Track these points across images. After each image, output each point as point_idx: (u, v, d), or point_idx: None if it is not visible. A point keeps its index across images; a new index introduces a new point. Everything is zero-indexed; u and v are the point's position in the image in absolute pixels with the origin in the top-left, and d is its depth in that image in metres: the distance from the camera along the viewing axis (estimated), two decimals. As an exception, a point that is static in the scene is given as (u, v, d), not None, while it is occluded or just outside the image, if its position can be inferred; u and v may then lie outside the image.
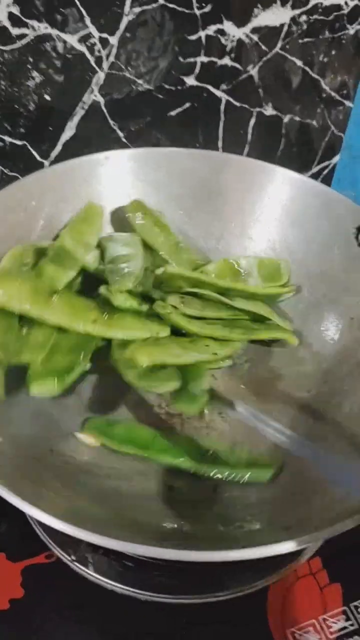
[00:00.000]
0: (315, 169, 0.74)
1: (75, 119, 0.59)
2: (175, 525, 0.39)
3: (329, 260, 0.54)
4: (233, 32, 0.59)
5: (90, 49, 0.55)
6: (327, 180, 0.76)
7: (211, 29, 0.58)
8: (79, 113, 0.59)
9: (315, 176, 0.75)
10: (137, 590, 0.43)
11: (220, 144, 0.67)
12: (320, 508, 0.39)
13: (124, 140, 0.62)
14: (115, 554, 0.45)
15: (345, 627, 0.42)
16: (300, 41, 0.62)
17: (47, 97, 0.56)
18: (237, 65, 0.61)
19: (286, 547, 0.33)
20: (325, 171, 0.75)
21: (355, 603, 0.44)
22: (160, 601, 0.43)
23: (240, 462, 0.43)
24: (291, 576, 0.45)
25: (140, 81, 0.59)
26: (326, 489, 0.40)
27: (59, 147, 0.60)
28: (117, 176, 0.55)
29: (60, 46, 0.54)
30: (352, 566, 0.46)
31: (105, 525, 0.36)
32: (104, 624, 0.43)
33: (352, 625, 0.43)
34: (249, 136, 0.67)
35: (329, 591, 0.44)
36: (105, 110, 0.60)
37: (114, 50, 0.56)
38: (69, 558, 0.44)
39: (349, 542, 0.46)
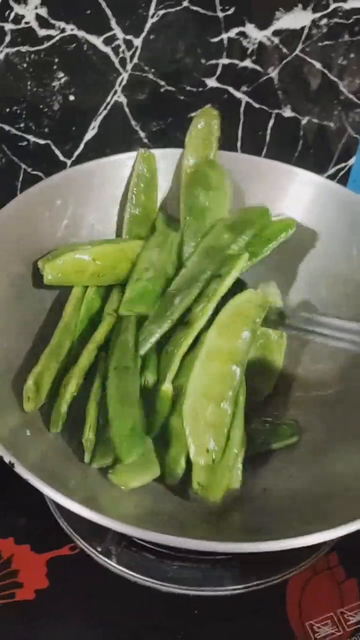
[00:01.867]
0: (331, 171, 0.75)
1: (99, 119, 0.60)
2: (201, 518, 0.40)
3: (348, 261, 0.55)
4: (254, 34, 0.59)
5: (115, 50, 0.56)
6: (342, 182, 0.77)
7: (233, 32, 0.59)
8: (102, 113, 0.60)
9: (331, 177, 0.76)
10: (158, 582, 0.44)
11: (239, 144, 0.67)
12: (344, 502, 0.40)
13: (145, 140, 0.63)
14: (137, 546, 0.46)
15: (362, 621, 0.44)
16: (320, 44, 0.62)
17: (72, 98, 0.57)
18: (258, 68, 0.62)
19: (311, 539, 0.34)
20: (341, 173, 0.76)
21: (372, 597, 0.45)
22: (182, 593, 0.44)
23: None
24: (309, 570, 0.46)
25: (162, 82, 0.60)
26: (350, 484, 0.42)
27: (81, 147, 0.61)
28: (140, 176, 0.56)
29: (85, 47, 0.55)
30: (369, 562, 0.47)
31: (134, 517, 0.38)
32: (126, 614, 0.44)
33: (369, 618, 0.44)
34: (268, 137, 0.68)
35: (346, 586, 0.45)
36: (127, 111, 0.61)
37: (138, 52, 0.57)
38: (92, 550, 0.46)
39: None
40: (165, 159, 0.56)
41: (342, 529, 0.34)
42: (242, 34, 0.59)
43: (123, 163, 0.55)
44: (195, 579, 0.45)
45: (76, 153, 0.61)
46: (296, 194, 0.56)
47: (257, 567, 0.45)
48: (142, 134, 0.62)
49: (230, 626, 0.43)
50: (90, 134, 0.60)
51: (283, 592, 0.45)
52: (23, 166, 0.60)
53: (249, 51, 0.61)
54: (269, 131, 0.68)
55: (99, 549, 0.45)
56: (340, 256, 0.55)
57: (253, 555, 0.44)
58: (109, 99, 0.59)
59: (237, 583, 0.44)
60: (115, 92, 0.59)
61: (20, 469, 0.35)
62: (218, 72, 0.61)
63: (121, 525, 0.34)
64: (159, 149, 0.56)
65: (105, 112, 0.60)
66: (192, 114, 0.63)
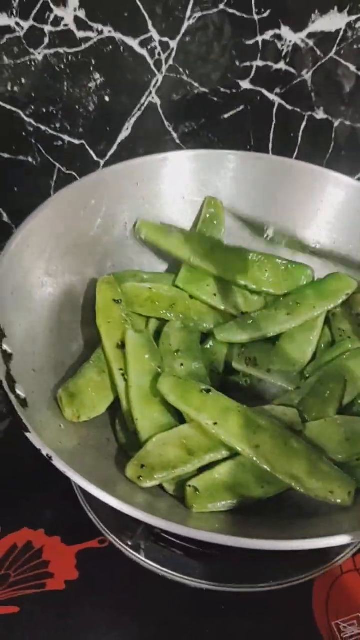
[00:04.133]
0: (361, 173, 0.75)
1: (132, 120, 0.61)
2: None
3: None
4: (289, 37, 0.60)
5: (151, 52, 0.57)
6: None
7: (268, 34, 0.59)
8: (136, 114, 0.60)
9: (361, 180, 0.76)
10: (186, 577, 0.45)
11: (270, 145, 0.68)
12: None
13: (177, 141, 0.64)
14: (165, 541, 0.46)
15: (389, 623, 0.44)
16: (355, 46, 0.63)
17: (107, 99, 0.58)
18: (292, 70, 0.62)
19: (342, 540, 0.34)
20: (372, 175, 0.76)
21: None
22: (209, 589, 0.45)
23: None
24: (336, 570, 0.46)
25: (196, 84, 0.60)
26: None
27: (115, 147, 0.62)
28: (172, 177, 0.57)
29: (122, 49, 0.56)
30: None
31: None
32: (154, 608, 0.44)
33: None
34: (299, 140, 0.68)
35: (373, 587, 0.46)
36: (161, 112, 0.61)
37: (173, 54, 0.58)
38: (121, 543, 0.46)
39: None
40: (197, 160, 0.57)
41: None
42: (277, 37, 0.60)
43: (156, 164, 0.56)
44: (222, 575, 0.45)
45: (110, 153, 0.62)
46: (328, 196, 0.56)
47: (285, 565, 0.45)
48: (174, 135, 0.63)
49: (257, 623, 0.43)
50: (124, 134, 0.61)
51: (310, 590, 0.45)
52: (58, 166, 0.61)
53: (283, 53, 0.61)
54: (300, 133, 0.68)
55: (128, 543, 0.46)
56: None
57: (281, 553, 0.45)
58: (143, 100, 0.60)
59: (264, 581, 0.45)
60: (150, 93, 0.60)
61: (58, 462, 0.36)
62: (252, 74, 0.62)
63: (156, 520, 0.35)
64: (190, 150, 0.57)
65: (139, 113, 0.60)
66: (225, 115, 0.64)
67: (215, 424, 0.43)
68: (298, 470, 0.41)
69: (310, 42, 0.61)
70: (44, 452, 0.36)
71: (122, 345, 0.48)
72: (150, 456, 0.42)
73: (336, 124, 0.68)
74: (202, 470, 0.42)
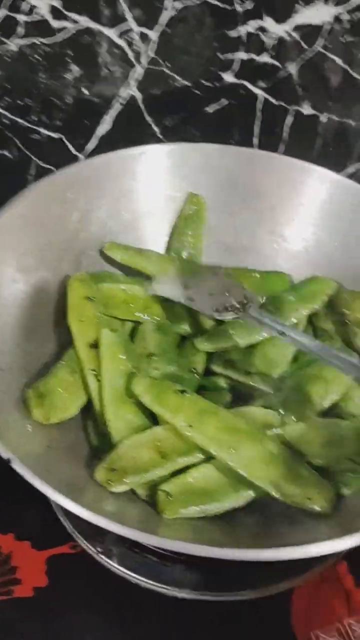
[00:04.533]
0: (350, 169, 0.73)
1: (112, 113, 0.59)
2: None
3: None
4: (274, 29, 0.58)
5: (130, 43, 0.55)
6: (361, 181, 0.75)
7: (252, 26, 0.58)
8: (116, 107, 0.59)
9: (349, 177, 0.74)
10: (160, 585, 0.43)
11: (255, 141, 0.66)
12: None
13: (159, 135, 0.62)
14: (139, 547, 0.45)
15: (370, 633, 0.42)
16: (342, 39, 0.61)
17: (85, 91, 0.57)
18: (277, 63, 0.61)
19: (320, 549, 0.33)
20: (360, 172, 0.74)
21: (381, 609, 0.43)
22: (184, 597, 0.43)
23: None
24: (317, 579, 0.44)
25: (178, 77, 0.59)
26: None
27: (94, 141, 0.60)
28: (152, 171, 0.55)
29: (100, 40, 0.54)
30: (379, 572, 0.45)
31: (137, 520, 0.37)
32: (126, 616, 0.43)
33: (377, 631, 0.42)
34: (285, 135, 0.67)
35: (354, 596, 0.44)
36: (142, 105, 0.60)
37: (153, 46, 0.56)
38: (94, 549, 0.45)
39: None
40: (176, 154, 0.55)
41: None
42: (261, 29, 0.58)
43: (135, 157, 0.54)
44: (198, 583, 0.43)
45: (89, 147, 0.60)
46: (312, 191, 0.55)
47: (264, 573, 0.44)
48: (156, 129, 0.62)
49: (233, 633, 0.42)
50: (103, 128, 0.60)
51: (289, 599, 0.43)
52: (35, 160, 0.60)
53: (267, 46, 0.59)
54: (286, 128, 0.66)
55: (100, 549, 0.44)
56: (358, 257, 0.54)
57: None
58: (123, 93, 0.58)
59: (241, 589, 0.43)
60: (129, 85, 0.58)
61: (17, 466, 0.34)
62: (235, 67, 0.60)
63: (120, 528, 0.33)
64: (170, 144, 0.55)
65: (119, 107, 0.59)
66: (208, 109, 0.62)
67: (191, 426, 0.41)
68: (275, 476, 0.39)
69: (296, 35, 0.59)
70: (3, 455, 0.34)
71: (95, 345, 0.47)
72: (122, 459, 0.40)
73: (323, 119, 0.67)
74: (176, 474, 0.41)
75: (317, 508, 0.38)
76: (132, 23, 0.54)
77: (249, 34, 0.58)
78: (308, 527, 0.38)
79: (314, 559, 0.44)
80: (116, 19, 0.54)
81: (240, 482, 0.40)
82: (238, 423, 0.42)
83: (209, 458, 0.41)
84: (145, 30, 0.55)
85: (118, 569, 0.44)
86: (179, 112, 0.61)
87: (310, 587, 0.44)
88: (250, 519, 0.40)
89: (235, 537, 0.38)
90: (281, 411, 0.45)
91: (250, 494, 0.40)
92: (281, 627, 0.42)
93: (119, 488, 0.39)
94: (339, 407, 0.46)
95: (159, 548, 0.43)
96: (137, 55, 0.56)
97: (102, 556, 0.44)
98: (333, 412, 0.46)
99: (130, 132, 0.61)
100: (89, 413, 0.45)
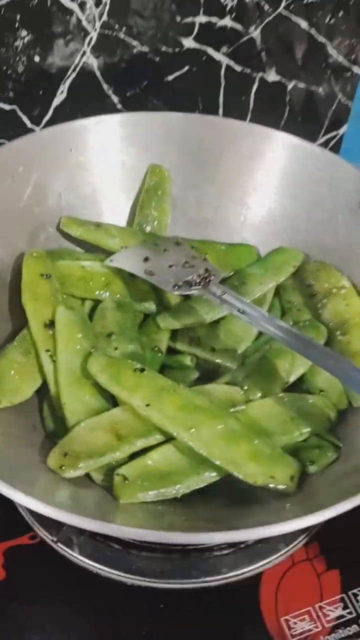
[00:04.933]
0: (321, 140, 0.71)
1: (67, 83, 0.56)
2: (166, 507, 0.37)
3: (333, 231, 0.51)
4: (233, -11, 0.55)
5: (81, 6, 0.52)
6: (334, 151, 0.73)
7: (210, -14, 0.55)
8: (71, 76, 0.56)
9: (322, 147, 0.72)
10: (123, 574, 0.41)
11: (220, 111, 0.64)
12: (324, 485, 0.37)
13: (119, 106, 0.60)
14: (101, 535, 0.42)
15: (342, 616, 0.40)
16: (304, 1, 0.58)
17: (37, 59, 0.54)
18: (238, 27, 0.58)
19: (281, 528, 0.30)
20: (332, 142, 0.72)
21: (355, 590, 0.42)
22: (147, 585, 0.41)
23: None
24: (287, 562, 0.43)
25: (135, 43, 0.56)
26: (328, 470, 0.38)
27: (50, 113, 0.57)
28: (109, 142, 0.53)
29: (49, 3, 0.51)
30: (352, 552, 0.43)
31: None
32: (88, 607, 0.41)
33: (350, 613, 0.40)
34: (251, 103, 0.64)
35: (326, 578, 0.42)
36: (98, 74, 0.57)
37: (107, 8, 0.53)
38: (53, 539, 0.42)
39: (349, 526, 0.44)
40: (135, 124, 0.53)
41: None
42: (220, -11, 0.55)
43: (90, 128, 0.52)
44: (162, 570, 0.41)
45: (45, 119, 0.57)
46: (275, 158, 0.53)
47: (230, 557, 0.42)
48: (115, 99, 0.59)
49: (197, 622, 0.40)
50: (59, 98, 0.57)
51: (257, 585, 0.41)
52: (-12, 134, 0.57)
53: (228, 8, 0.57)
54: (252, 96, 0.64)
55: (60, 539, 0.42)
56: (323, 225, 0.52)
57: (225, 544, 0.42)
58: (77, 60, 0.55)
59: (207, 575, 0.41)
60: (84, 53, 0.55)
61: None
62: (195, 31, 0.57)
63: (70, 516, 0.31)
64: (128, 113, 0.52)
65: (74, 75, 0.56)
66: (169, 77, 0.59)
67: (149, 405, 0.39)
68: (237, 455, 0.37)
69: (257, -4, 0.57)
70: None
71: (50, 324, 0.44)
72: (75, 443, 0.38)
73: (290, 86, 0.64)
74: (135, 457, 0.39)
75: (280, 487, 0.36)
76: (83, -16, 0.51)
77: (208, -5, 0.55)
78: (272, 508, 0.36)
79: (281, 542, 0.42)
80: (66, -20, 0.51)
81: (202, 462, 0.37)
82: (199, 401, 0.39)
83: (169, 439, 0.39)
84: (97, -8, 0.52)
85: (79, 559, 0.42)
86: (139, 80, 0.59)
87: (281, 570, 0.42)
88: (213, 501, 0.38)
89: (197, 521, 0.36)
90: (245, 387, 0.42)
91: (212, 475, 0.37)
92: (249, 614, 0.40)
93: (72, 473, 0.37)
94: (307, 382, 0.44)
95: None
96: (91, 18, 0.53)
97: (62, 546, 0.42)
98: (300, 386, 0.44)
99: (88, 102, 0.58)
100: (46, 396, 0.43)
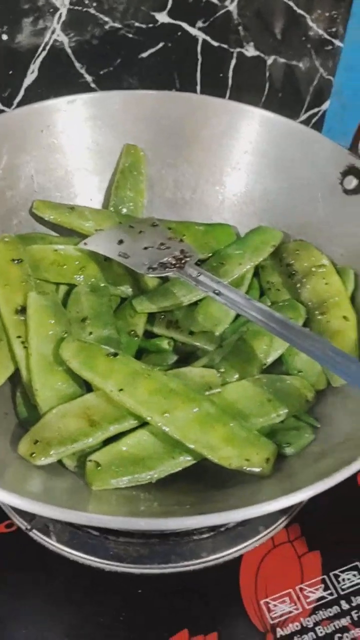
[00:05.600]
0: (303, 117, 0.70)
1: (38, 62, 0.55)
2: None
3: (312, 209, 0.50)
4: None
5: (49, -19, 0.51)
6: (317, 129, 0.71)
7: None
8: (41, 55, 0.54)
9: (304, 124, 0.70)
10: (101, 560, 0.41)
11: (198, 88, 0.62)
12: (301, 466, 0.37)
13: (92, 85, 0.58)
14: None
15: (323, 597, 0.40)
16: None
17: (4, 37, 0.52)
18: (214, 0, 0.57)
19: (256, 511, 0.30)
20: (315, 119, 0.70)
21: (336, 571, 0.41)
22: (125, 571, 0.40)
23: None
24: (267, 544, 0.42)
25: (106, 18, 0.54)
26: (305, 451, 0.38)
27: (21, 93, 0.56)
28: (82, 122, 0.51)
29: (15, -22, 0.50)
30: (333, 533, 0.43)
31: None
32: (66, 594, 0.40)
33: (330, 594, 0.40)
34: (230, 80, 0.63)
35: (307, 559, 0.42)
36: (70, 52, 0.55)
37: (76, -17, 0.52)
38: (29, 527, 0.42)
39: (331, 507, 0.44)
40: (109, 102, 0.51)
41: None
42: None
43: (62, 108, 0.50)
44: (141, 556, 0.41)
45: (16, 100, 0.56)
46: (253, 135, 0.51)
47: (209, 542, 0.41)
48: (88, 78, 0.57)
49: (176, 607, 0.39)
50: (30, 78, 0.55)
51: (237, 568, 0.41)
52: None
53: (202, -20, 0.55)
54: (230, 73, 0.62)
55: (35, 526, 0.42)
56: (303, 204, 0.51)
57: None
58: (47, 38, 0.54)
59: (186, 559, 0.41)
60: (54, 30, 0.53)
61: None
62: (169, 6, 0.56)
63: (40, 506, 0.30)
64: (101, 92, 0.51)
65: (44, 54, 0.54)
66: (144, 54, 0.58)
67: (122, 390, 0.38)
68: (212, 438, 0.36)
69: (232, -34, 0.55)
70: None
71: (22, 310, 0.43)
72: (47, 430, 0.37)
73: (269, 61, 0.63)
74: (108, 443, 0.38)
75: (256, 470, 0.35)
76: None
77: (180, -34, 0.53)
78: (248, 490, 0.35)
79: (261, 524, 0.42)
80: None
81: (176, 447, 0.37)
82: (173, 385, 0.39)
83: (144, 424, 0.38)
84: (65, -35, 0.50)
85: (56, 547, 0.41)
86: (112, 58, 0.57)
87: (261, 553, 0.42)
88: (188, 485, 0.37)
89: (172, 505, 0.36)
90: (222, 369, 0.42)
91: (187, 459, 0.37)
92: (229, 597, 0.40)
93: (43, 461, 0.36)
94: (285, 363, 0.43)
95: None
96: (59, -6, 0.52)
97: (39, 534, 0.42)
98: (279, 367, 0.43)
99: (60, 81, 0.56)
100: (18, 383, 0.42)
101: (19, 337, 0.42)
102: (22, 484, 0.34)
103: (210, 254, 0.51)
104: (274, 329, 0.38)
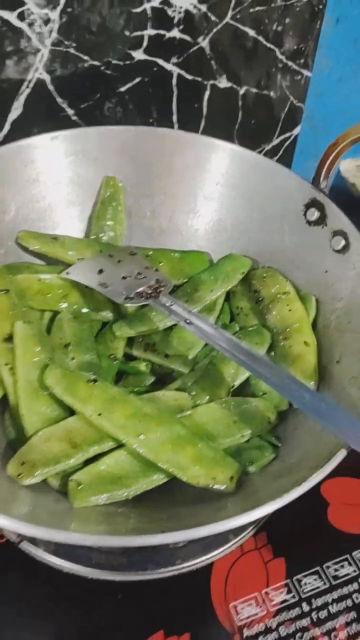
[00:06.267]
0: (276, 141, 0.73)
1: (22, 98, 0.58)
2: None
3: (279, 237, 0.54)
4: (179, 2, 0.57)
5: (30, 25, 0.54)
6: (289, 152, 0.75)
7: (156, 1, 0.56)
8: (25, 92, 0.58)
9: (277, 148, 0.74)
10: (84, 568, 0.44)
11: (175, 118, 0.66)
12: (262, 483, 0.40)
13: (74, 118, 0.61)
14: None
15: (286, 600, 0.44)
16: (251, 10, 0.60)
17: (-10, 76, 0.55)
18: (187, 37, 0.60)
19: (222, 527, 0.33)
20: (287, 142, 0.74)
21: (298, 576, 0.45)
22: (108, 579, 0.44)
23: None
24: (236, 552, 0.46)
25: (85, 57, 0.58)
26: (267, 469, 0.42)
27: (7, 127, 0.59)
28: (64, 156, 0.54)
29: (-1, 24, 0.53)
30: (297, 541, 0.47)
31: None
32: (52, 602, 0.44)
33: (293, 597, 0.44)
34: (205, 110, 0.66)
35: (273, 565, 0.46)
36: (52, 88, 0.58)
37: (56, 26, 0.55)
38: (17, 540, 0.45)
39: (295, 517, 0.48)
40: (89, 138, 0.55)
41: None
42: (166, 3, 0.57)
43: (45, 144, 0.53)
44: (120, 564, 0.45)
45: (2, 134, 0.59)
46: (223, 168, 0.55)
47: (183, 550, 0.45)
48: (70, 111, 0.61)
49: (152, 611, 0.43)
50: (14, 113, 0.58)
51: (209, 574, 0.45)
52: None
53: (175, 20, 0.58)
54: (205, 103, 0.66)
55: (24, 538, 0.45)
56: (271, 233, 0.54)
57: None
58: (30, 76, 0.57)
59: (161, 567, 0.44)
60: (37, 69, 0.57)
61: None
62: (145, 44, 0.59)
63: (15, 523, 0.33)
64: (82, 128, 0.54)
65: (28, 90, 0.58)
66: (122, 89, 0.61)
67: (100, 414, 0.42)
68: (182, 458, 0.40)
69: (203, 7, 0.58)
70: None
71: (9, 338, 0.47)
72: (32, 452, 0.41)
73: (242, 91, 0.66)
74: (91, 462, 0.42)
75: (221, 487, 0.39)
76: (30, 4, 0.52)
77: (154, 9, 0.56)
78: (215, 506, 0.39)
79: (231, 534, 0.46)
80: (14, 1, 0.52)
81: (150, 466, 0.40)
82: (147, 409, 0.42)
83: (121, 445, 0.42)
84: (45, 11, 0.53)
85: (43, 557, 0.45)
86: (91, 93, 0.60)
87: (231, 559, 0.46)
88: (161, 501, 0.40)
89: (146, 522, 0.39)
90: (193, 393, 0.45)
91: (160, 477, 0.40)
92: (200, 601, 0.43)
93: (30, 481, 0.39)
94: (251, 385, 0.47)
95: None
96: (40, 36, 0.55)
97: (27, 545, 0.45)
98: (246, 389, 0.47)
99: (43, 115, 0.59)
100: (6, 407, 0.46)
101: (7, 364, 0.45)
102: (11, 503, 0.38)
103: (185, 280, 0.55)
104: (238, 359, 0.41)
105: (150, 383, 0.49)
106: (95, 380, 0.43)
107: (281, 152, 0.74)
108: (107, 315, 0.52)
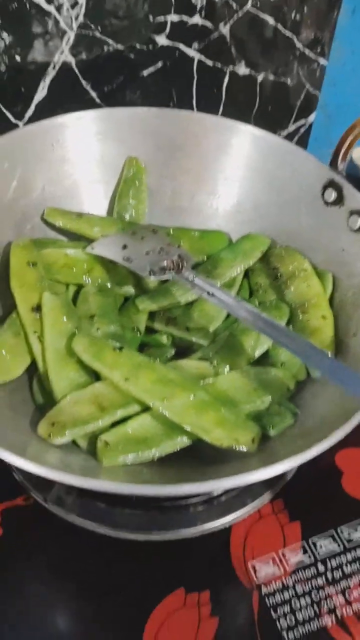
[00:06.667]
0: (291, 128, 0.75)
1: (47, 80, 0.60)
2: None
3: (296, 218, 0.56)
4: (202, -11, 0.59)
5: (59, 8, 0.55)
6: (304, 139, 0.77)
7: (180, -13, 0.58)
8: (50, 74, 0.59)
9: (292, 135, 0.76)
10: (108, 528, 0.46)
11: (194, 102, 0.67)
12: (281, 445, 0.42)
13: (97, 100, 0.63)
14: (87, 495, 0.47)
15: (302, 561, 0.46)
16: (271, -2, 0.62)
17: (18, 58, 0.57)
18: (208, 24, 0.62)
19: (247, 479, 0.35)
20: (302, 129, 0.76)
21: (313, 538, 0.47)
22: (131, 539, 0.46)
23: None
24: (254, 515, 0.48)
25: (110, 41, 0.59)
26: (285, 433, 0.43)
27: (32, 108, 0.61)
28: (88, 137, 0.56)
29: (28, 6, 0.54)
30: (312, 507, 0.49)
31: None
32: (78, 561, 0.46)
33: (309, 558, 0.46)
34: (223, 95, 0.68)
35: (289, 528, 0.47)
36: (77, 71, 0.60)
37: (83, 10, 0.56)
38: (45, 500, 0.47)
39: (309, 484, 0.50)
40: (113, 119, 0.56)
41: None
42: (190, -11, 0.59)
43: (70, 124, 0.55)
44: (143, 524, 0.46)
45: (27, 115, 0.61)
46: (244, 150, 0.57)
47: (204, 513, 0.47)
48: (93, 94, 0.62)
49: (174, 570, 0.45)
50: (40, 94, 0.60)
51: (228, 535, 0.47)
52: (-26, 129, 0.60)
53: (198, 7, 0.60)
54: (224, 89, 0.67)
55: (51, 499, 0.47)
56: (289, 214, 0.56)
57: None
58: (56, 58, 0.59)
59: (182, 527, 0.46)
60: (63, 51, 0.58)
61: None
62: (168, 29, 0.61)
63: (59, 474, 0.35)
64: (106, 108, 0.56)
65: (53, 73, 0.59)
66: (144, 73, 0.63)
67: (127, 379, 0.43)
68: (205, 421, 0.42)
69: (225, -5, 0.60)
70: None
71: (37, 308, 0.48)
72: (62, 414, 0.43)
73: (260, 78, 0.68)
74: (116, 425, 0.43)
75: (243, 448, 0.41)
76: (59, -12, 0.54)
77: (178, -5, 0.58)
78: (237, 466, 0.41)
79: (249, 498, 0.47)
80: (43, -15, 0.54)
81: (175, 429, 0.42)
82: (172, 375, 0.44)
83: (146, 409, 0.44)
84: (73, -5, 0.55)
85: (68, 517, 0.47)
86: (115, 76, 0.62)
87: (249, 523, 0.47)
88: (185, 463, 0.42)
89: (171, 480, 0.41)
90: (215, 362, 0.47)
91: (184, 440, 0.42)
92: (221, 561, 0.45)
93: (60, 440, 0.41)
94: (271, 356, 0.49)
95: (105, 494, 0.46)
96: (68, 20, 0.56)
97: (54, 505, 0.47)
98: (266, 360, 0.49)
99: (68, 97, 0.61)
100: (35, 373, 0.48)
101: (35, 332, 0.47)
102: (43, 459, 0.40)
103: (204, 258, 0.57)
104: (260, 327, 0.43)
105: (172, 355, 0.51)
106: (121, 348, 0.45)
107: (296, 138, 0.76)
108: (129, 290, 0.54)
